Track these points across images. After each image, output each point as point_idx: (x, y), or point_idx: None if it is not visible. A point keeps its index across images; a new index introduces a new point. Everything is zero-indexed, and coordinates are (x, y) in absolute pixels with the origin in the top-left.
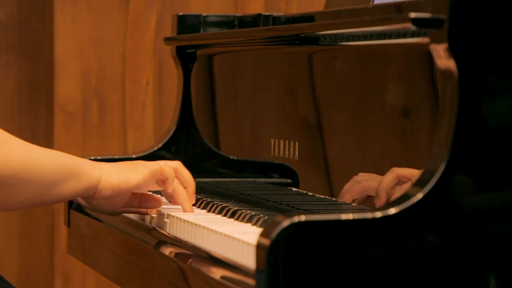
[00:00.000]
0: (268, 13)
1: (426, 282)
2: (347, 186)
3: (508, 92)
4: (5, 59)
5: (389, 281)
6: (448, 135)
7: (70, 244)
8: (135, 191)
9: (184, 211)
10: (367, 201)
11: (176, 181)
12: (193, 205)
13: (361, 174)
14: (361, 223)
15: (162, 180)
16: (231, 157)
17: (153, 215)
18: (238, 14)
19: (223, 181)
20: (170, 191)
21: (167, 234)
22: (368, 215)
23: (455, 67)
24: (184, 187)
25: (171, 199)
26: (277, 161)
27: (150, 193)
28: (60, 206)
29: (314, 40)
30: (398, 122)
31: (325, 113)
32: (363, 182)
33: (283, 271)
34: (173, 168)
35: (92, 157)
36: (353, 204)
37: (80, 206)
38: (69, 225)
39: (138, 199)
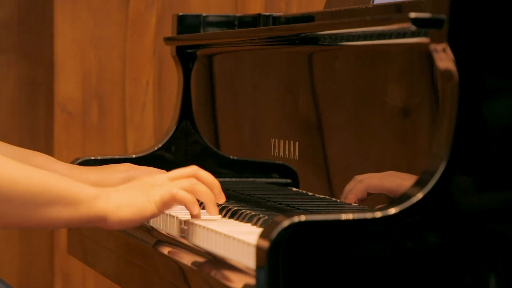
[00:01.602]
0: (268, 13)
1: (426, 282)
2: (349, 186)
3: (508, 92)
4: (5, 59)
5: (389, 281)
6: (448, 135)
7: (70, 244)
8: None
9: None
10: (367, 201)
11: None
12: None
13: (359, 175)
14: (361, 223)
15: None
16: (231, 157)
17: None
18: (238, 14)
19: (223, 181)
20: (196, 213)
21: (166, 234)
22: (368, 215)
23: (455, 67)
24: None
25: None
26: (277, 161)
27: None
28: None
29: (314, 40)
30: (398, 122)
31: (325, 113)
32: (365, 181)
33: (283, 271)
34: (188, 187)
35: (92, 157)
36: (354, 204)
37: None
38: None
39: None
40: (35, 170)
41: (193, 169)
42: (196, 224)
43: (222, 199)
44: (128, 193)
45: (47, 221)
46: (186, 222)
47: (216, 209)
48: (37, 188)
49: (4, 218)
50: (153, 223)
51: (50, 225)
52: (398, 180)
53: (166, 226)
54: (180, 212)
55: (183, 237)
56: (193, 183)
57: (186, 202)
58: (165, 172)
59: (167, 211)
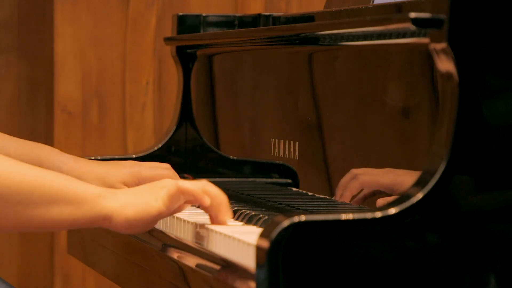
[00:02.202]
0: (268, 13)
1: (426, 282)
2: (344, 181)
3: (508, 92)
4: (5, 59)
5: (389, 281)
6: (448, 135)
7: (70, 244)
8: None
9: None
10: (367, 201)
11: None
12: (193, 205)
13: (355, 169)
14: (361, 223)
15: (191, 200)
16: (231, 157)
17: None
18: (238, 14)
19: (223, 181)
20: (208, 203)
21: (166, 234)
22: (368, 215)
23: (455, 67)
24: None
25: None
26: (277, 161)
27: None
28: None
29: (314, 40)
30: (398, 122)
31: (325, 113)
32: (360, 178)
33: (283, 271)
34: (197, 186)
35: (92, 157)
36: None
37: None
38: None
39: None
40: (31, 167)
41: (204, 183)
42: (196, 224)
43: (230, 215)
44: (135, 193)
45: (48, 221)
46: (186, 222)
47: (230, 212)
48: (34, 186)
49: (2, 219)
50: None
51: (52, 226)
52: (393, 176)
53: (166, 226)
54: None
55: (183, 237)
56: (203, 183)
57: (195, 194)
58: (169, 167)
59: None
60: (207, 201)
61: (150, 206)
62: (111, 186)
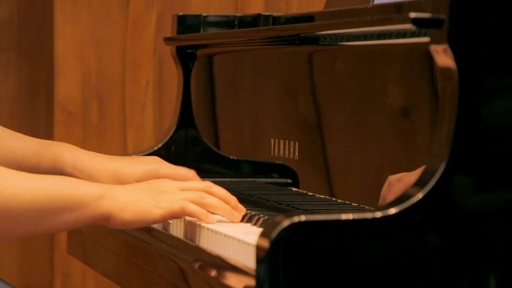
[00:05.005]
0: (268, 13)
1: (426, 282)
2: (385, 187)
3: (508, 92)
4: (5, 59)
5: (389, 281)
6: (448, 135)
7: (70, 244)
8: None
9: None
10: (367, 200)
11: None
12: None
13: (392, 175)
14: (361, 223)
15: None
16: (231, 157)
17: None
18: (238, 14)
19: (223, 181)
20: (207, 222)
21: (167, 234)
22: (368, 215)
23: (455, 67)
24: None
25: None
26: (277, 161)
27: None
28: None
29: (314, 40)
30: (398, 122)
31: (325, 113)
32: (403, 180)
33: (283, 271)
34: (197, 200)
35: None
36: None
37: None
38: None
39: None
40: (38, 181)
41: (207, 184)
42: (196, 224)
43: (241, 210)
44: (135, 195)
45: (54, 228)
46: (186, 222)
47: (234, 215)
48: (42, 201)
49: (11, 233)
50: None
51: (57, 231)
52: None
53: (166, 226)
54: None
55: (183, 237)
56: (202, 196)
57: (197, 215)
58: (192, 171)
59: None
60: (209, 221)
61: (147, 214)
62: (124, 183)
